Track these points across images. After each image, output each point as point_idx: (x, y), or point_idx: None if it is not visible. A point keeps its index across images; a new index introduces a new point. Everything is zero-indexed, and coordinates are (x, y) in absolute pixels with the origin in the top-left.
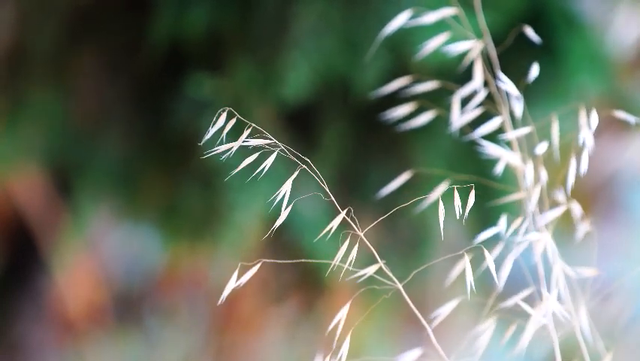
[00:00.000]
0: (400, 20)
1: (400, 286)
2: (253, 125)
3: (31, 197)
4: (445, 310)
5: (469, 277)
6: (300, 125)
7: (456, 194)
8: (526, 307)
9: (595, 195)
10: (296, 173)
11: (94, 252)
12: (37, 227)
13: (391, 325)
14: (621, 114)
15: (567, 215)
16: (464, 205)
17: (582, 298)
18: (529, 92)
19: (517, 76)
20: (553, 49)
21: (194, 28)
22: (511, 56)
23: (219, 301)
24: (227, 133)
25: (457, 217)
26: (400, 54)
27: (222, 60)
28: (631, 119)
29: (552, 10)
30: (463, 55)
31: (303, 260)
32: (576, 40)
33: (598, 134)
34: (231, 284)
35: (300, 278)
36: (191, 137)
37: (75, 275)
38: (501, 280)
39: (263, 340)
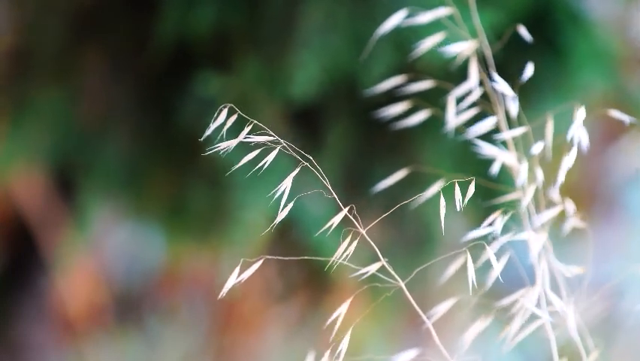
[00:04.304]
0: (395, 20)
1: (402, 284)
2: (255, 121)
3: (33, 197)
4: (443, 308)
5: (471, 273)
6: (306, 124)
7: (456, 187)
8: (524, 301)
9: (593, 193)
10: (297, 170)
11: (95, 252)
12: (38, 227)
13: (390, 325)
14: (616, 113)
15: (562, 213)
16: (469, 201)
17: (571, 296)
18: (534, 89)
19: (521, 75)
20: (559, 46)
21: (201, 26)
22: (517, 54)
23: (219, 296)
24: (231, 130)
25: (458, 210)
26: (407, 52)
27: (229, 58)
28: (625, 118)
29: (557, 8)
30: (464, 54)
31: (305, 257)
32: (581, 37)
33: (599, 133)
34: (232, 280)
35: (304, 278)
36: (197, 135)
37: (76, 275)
38: (493, 278)
39: (264, 340)
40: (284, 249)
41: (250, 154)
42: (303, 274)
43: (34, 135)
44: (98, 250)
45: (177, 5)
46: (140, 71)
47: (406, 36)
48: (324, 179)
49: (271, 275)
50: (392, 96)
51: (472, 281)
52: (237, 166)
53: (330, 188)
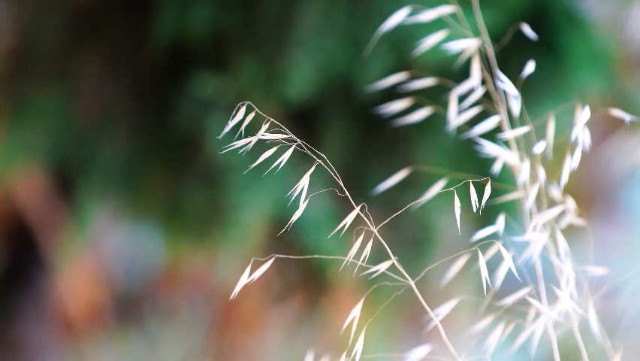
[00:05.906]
0: (399, 17)
1: (412, 282)
2: (271, 119)
3: (32, 197)
4: (447, 308)
5: (484, 272)
6: (303, 124)
7: (472, 187)
8: (538, 305)
9: (593, 193)
10: (313, 168)
11: (95, 252)
12: (38, 227)
13: (388, 324)
14: (616, 112)
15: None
16: (468, 202)
17: (590, 297)
18: (531, 90)
19: (519, 75)
20: (556, 47)
21: (197, 27)
22: (514, 55)
23: (231, 296)
24: (237, 128)
25: (474, 210)
26: (403, 53)
27: (226, 59)
28: (626, 116)
29: (554, 9)
30: (466, 52)
31: (315, 256)
32: (578, 38)
33: (598, 133)
34: (243, 279)
35: (302, 278)
36: (194, 136)
37: (76, 275)
38: (500, 278)
39: (263, 340)
40: (281, 250)
41: (268, 151)
42: (300, 275)
43: (32, 135)
44: (97, 249)
45: (174, 6)
46: (138, 71)
47: (403, 36)
48: (337, 177)
49: (270, 275)
50: (390, 96)
51: (486, 280)
52: (255, 164)
53: (342, 186)
